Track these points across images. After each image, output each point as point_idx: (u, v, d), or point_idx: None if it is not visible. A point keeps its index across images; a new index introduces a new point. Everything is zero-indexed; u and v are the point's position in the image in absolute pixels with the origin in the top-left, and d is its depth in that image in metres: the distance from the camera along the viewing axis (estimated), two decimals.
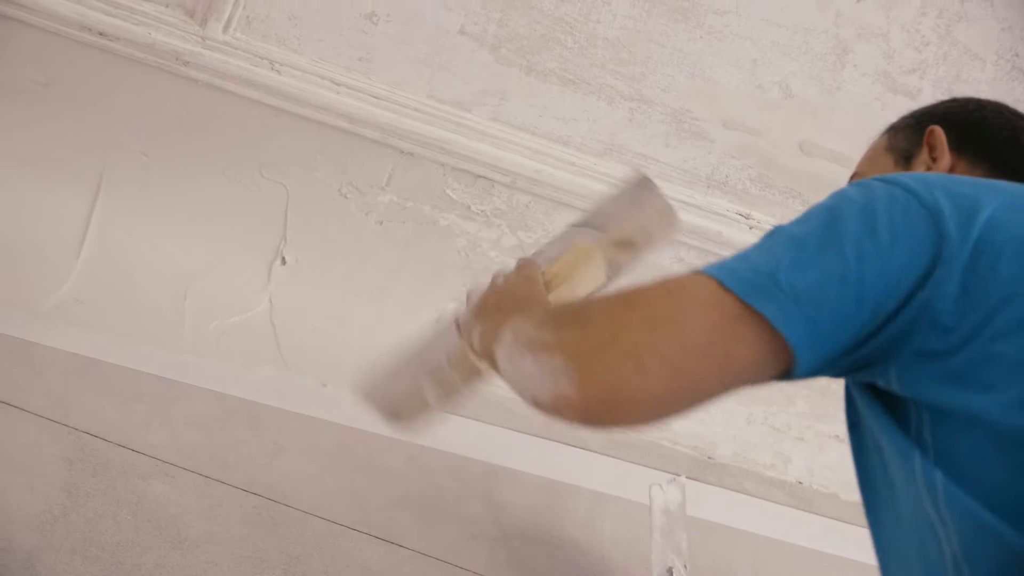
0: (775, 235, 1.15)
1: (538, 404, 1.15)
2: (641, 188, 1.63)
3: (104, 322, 2.06)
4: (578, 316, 1.20)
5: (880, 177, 1.19)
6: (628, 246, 1.62)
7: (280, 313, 2.20)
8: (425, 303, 2.26)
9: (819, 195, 1.32)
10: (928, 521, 1.10)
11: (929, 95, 2.25)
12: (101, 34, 1.93)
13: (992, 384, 1.05)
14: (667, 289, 1.15)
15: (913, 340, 1.10)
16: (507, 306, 1.47)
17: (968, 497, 1.04)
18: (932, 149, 1.46)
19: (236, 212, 2.14)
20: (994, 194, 1.12)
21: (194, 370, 2.07)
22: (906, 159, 1.51)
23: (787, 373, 1.11)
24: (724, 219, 2.25)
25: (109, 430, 1.89)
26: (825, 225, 1.16)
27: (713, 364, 1.08)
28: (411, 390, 1.66)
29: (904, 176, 1.18)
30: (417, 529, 2.03)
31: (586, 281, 1.62)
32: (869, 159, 1.59)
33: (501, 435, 2.28)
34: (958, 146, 1.46)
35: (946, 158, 1.45)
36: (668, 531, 2.16)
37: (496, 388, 2.22)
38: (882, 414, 1.17)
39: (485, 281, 1.50)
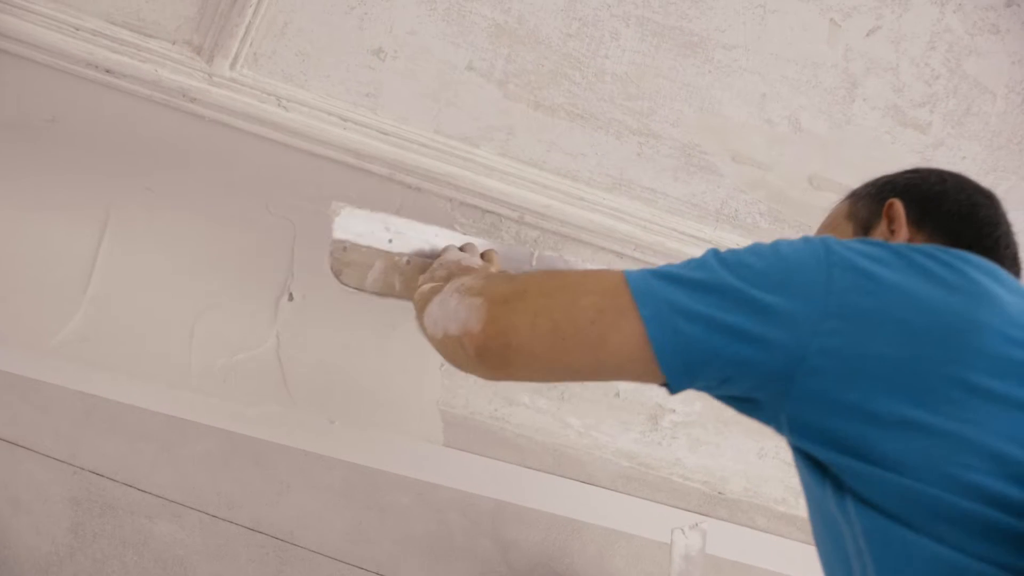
0: (707, 254, 1.33)
1: (446, 337, 1.47)
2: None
3: (110, 360, 2.06)
4: (510, 276, 1.51)
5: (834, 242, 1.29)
6: None
7: (287, 350, 2.20)
8: None
9: None
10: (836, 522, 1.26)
11: (939, 129, 2.26)
12: (108, 71, 1.94)
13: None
14: (587, 273, 1.39)
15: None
16: (458, 272, 1.80)
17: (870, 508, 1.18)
18: (891, 222, 1.53)
19: (243, 248, 2.15)
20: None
21: (201, 408, 2.07)
22: (865, 229, 1.58)
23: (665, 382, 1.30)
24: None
25: (116, 469, 1.89)
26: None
27: (588, 342, 1.30)
28: (366, 260, 2.01)
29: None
30: (425, 567, 2.03)
31: None
32: (830, 225, 1.66)
33: (509, 471, 2.28)
34: (917, 220, 1.52)
35: (903, 232, 1.52)
36: None
37: (504, 424, 2.23)
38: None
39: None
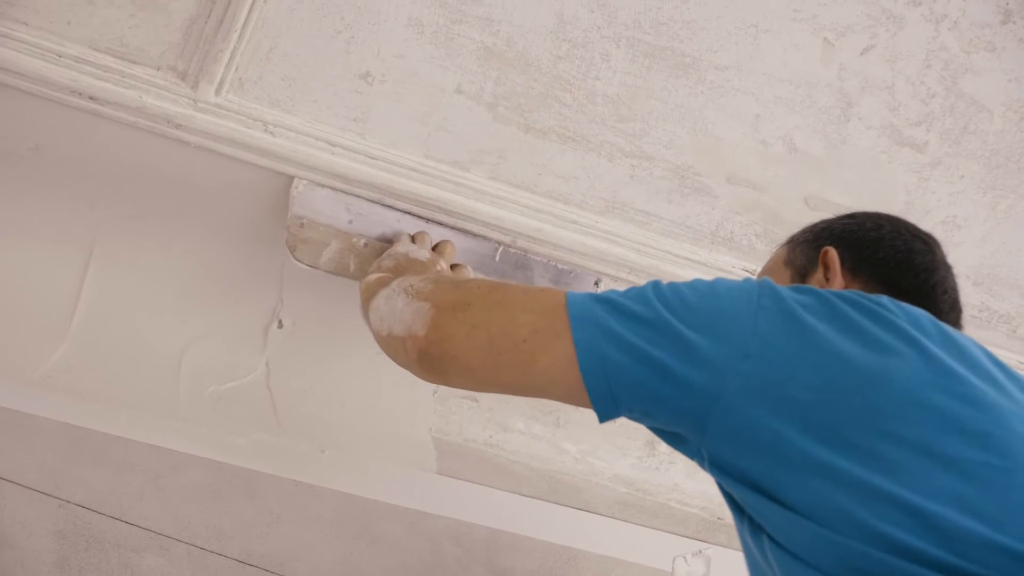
0: (647, 286, 1.38)
1: (390, 336, 1.55)
2: None
3: (96, 391, 2.06)
4: (458, 282, 1.56)
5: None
6: None
7: (277, 378, 2.20)
8: None
9: None
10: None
11: (937, 147, 2.26)
12: (91, 98, 1.94)
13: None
14: (530, 290, 1.46)
15: None
16: (406, 270, 1.86)
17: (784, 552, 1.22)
18: (826, 269, 1.58)
19: (231, 275, 2.15)
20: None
21: (189, 438, 2.07)
22: (802, 276, 1.62)
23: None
24: (730, 276, 2.25)
25: (102, 502, 1.89)
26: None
27: (519, 360, 1.37)
28: (322, 238, 2.05)
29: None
30: None
31: None
32: (769, 270, 1.71)
33: (504, 499, 2.28)
34: (853, 267, 1.56)
35: (838, 279, 1.56)
36: None
37: (499, 451, 2.23)
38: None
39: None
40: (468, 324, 1.44)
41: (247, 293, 2.19)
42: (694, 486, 2.50)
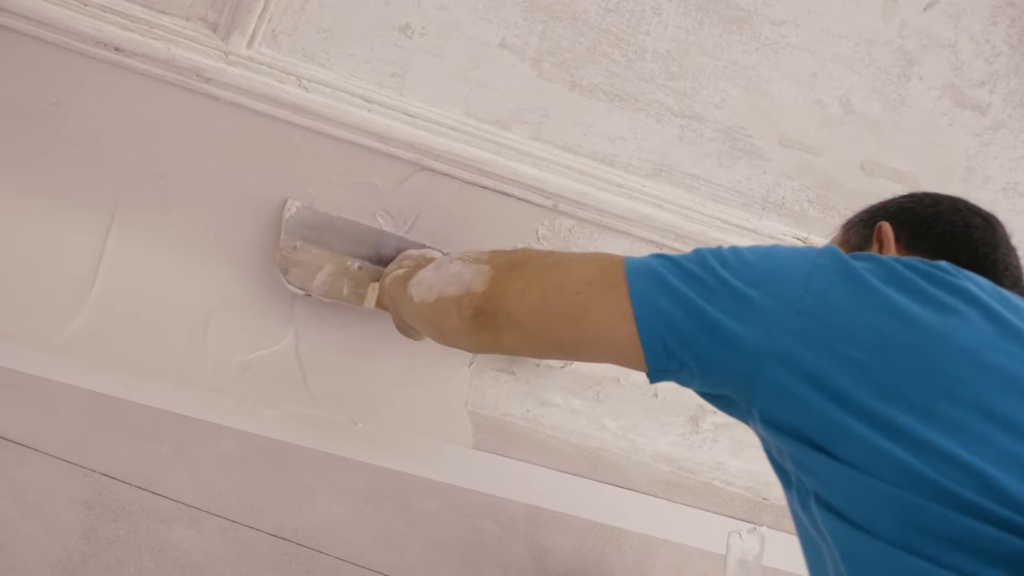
0: (704, 249, 1.40)
1: (440, 299, 1.60)
2: None
3: (120, 357, 2.04)
4: (515, 248, 1.63)
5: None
6: None
7: (306, 347, 2.18)
8: None
9: None
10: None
11: (1000, 110, 2.24)
12: (117, 49, 1.91)
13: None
14: (588, 252, 1.50)
15: None
16: (424, 263, 1.92)
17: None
18: (880, 245, 1.57)
19: (259, 239, 2.12)
20: None
21: (217, 408, 2.04)
22: None
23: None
24: (783, 244, 2.23)
25: (128, 472, 1.86)
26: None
27: (570, 313, 1.40)
28: (315, 262, 2.06)
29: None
30: (457, 575, 2.00)
31: None
32: None
33: (543, 475, 2.25)
34: (909, 242, 1.56)
35: (893, 253, 1.53)
36: None
37: (537, 426, 2.21)
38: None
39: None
40: (524, 280, 1.48)
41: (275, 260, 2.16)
42: (738, 465, 2.48)
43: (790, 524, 2.41)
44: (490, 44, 2.05)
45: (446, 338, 1.65)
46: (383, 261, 2.11)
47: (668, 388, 2.40)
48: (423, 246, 2.12)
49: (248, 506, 1.91)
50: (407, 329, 1.98)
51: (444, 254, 2.04)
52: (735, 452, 2.47)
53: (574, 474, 2.28)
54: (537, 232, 2.16)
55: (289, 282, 2.04)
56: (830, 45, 2.15)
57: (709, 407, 2.32)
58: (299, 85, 1.99)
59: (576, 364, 2.32)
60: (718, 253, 1.37)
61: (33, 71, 1.95)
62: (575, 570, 2.13)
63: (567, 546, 2.16)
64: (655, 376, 1.38)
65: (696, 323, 1.30)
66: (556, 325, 1.43)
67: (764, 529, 2.21)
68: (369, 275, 2.08)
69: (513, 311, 1.47)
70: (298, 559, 1.88)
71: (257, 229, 2.12)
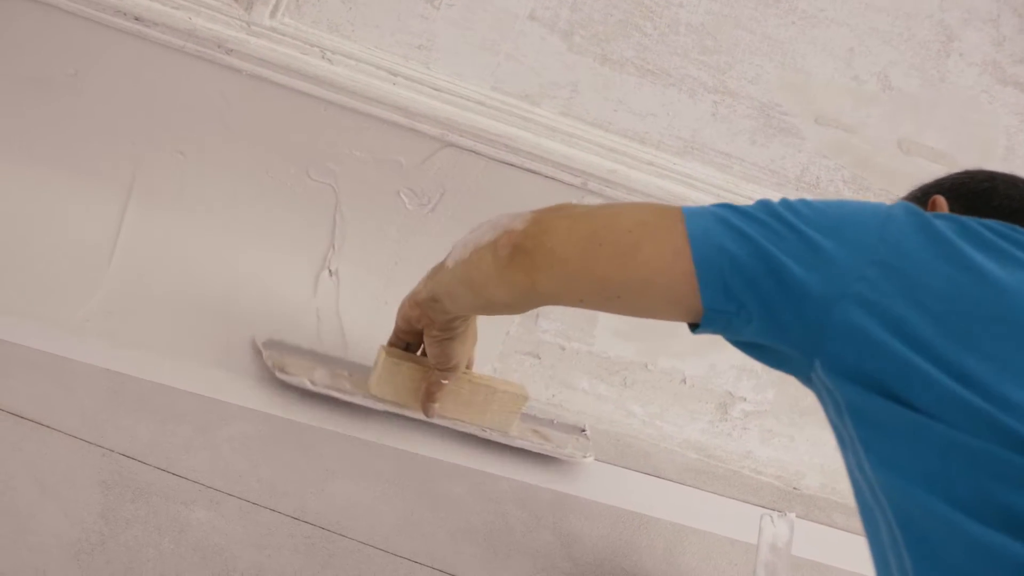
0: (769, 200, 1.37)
1: (476, 251, 1.54)
2: None
3: (138, 336, 2.02)
4: (560, 204, 1.55)
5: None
6: None
7: (328, 327, 2.16)
8: (491, 317, 2.22)
9: None
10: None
11: None
12: (137, 19, 1.89)
13: None
14: (641, 201, 1.57)
15: None
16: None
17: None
18: None
19: (281, 217, 2.11)
20: None
21: (237, 388, 2.03)
22: None
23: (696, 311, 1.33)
24: None
25: (147, 452, 1.84)
26: None
27: (620, 251, 1.35)
28: (307, 363, 2.05)
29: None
30: (484, 562, 1.98)
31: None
32: None
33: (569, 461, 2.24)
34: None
35: None
36: (773, 570, 2.11)
37: (562, 412, 2.19)
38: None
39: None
40: (571, 219, 1.44)
41: (297, 237, 2.14)
42: (768, 453, 2.46)
43: (820, 514, 2.41)
44: (519, 16, 2.03)
45: (477, 293, 1.60)
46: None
47: (697, 375, 2.39)
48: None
49: (269, 488, 1.89)
50: (449, 341, 1.89)
51: None
52: (765, 440, 2.46)
53: (601, 461, 2.26)
54: None
55: (288, 375, 2.01)
56: (868, 19, 2.13)
57: (739, 393, 2.31)
58: (323, 57, 1.97)
59: (602, 346, 2.31)
60: (786, 201, 1.35)
61: (50, 41, 1.93)
62: (604, 558, 2.10)
63: (595, 533, 2.14)
64: (709, 319, 1.34)
65: (762, 265, 1.27)
66: (602, 263, 1.38)
67: (793, 516, 2.19)
68: (364, 374, 2.07)
69: (557, 247, 1.42)
70: (320, 543, 1.86)
71: (279, 206, 2.11)
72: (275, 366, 2.00)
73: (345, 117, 2.03)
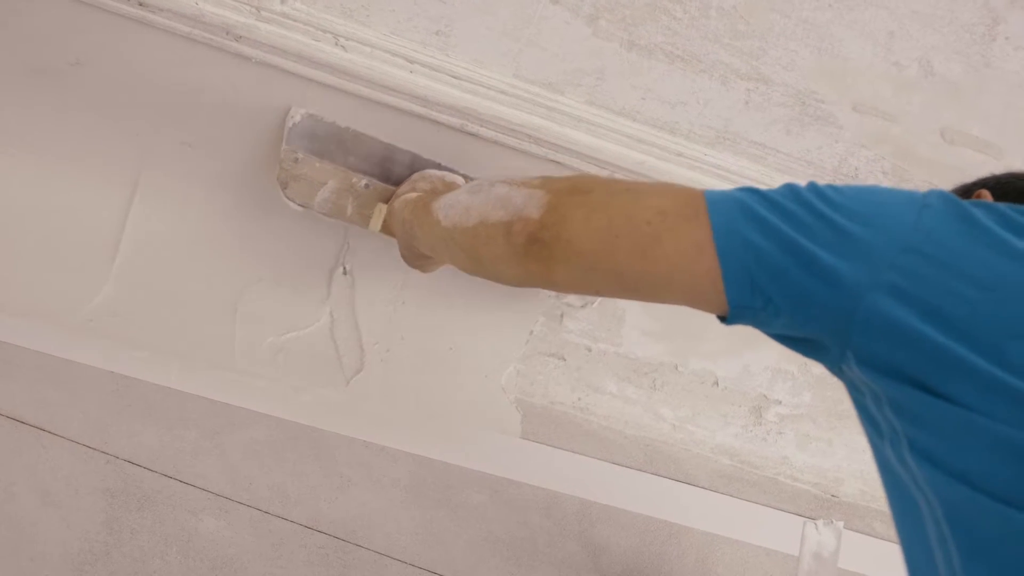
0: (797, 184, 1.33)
1: (482, 224, 1.51)
2: None
3: (144, 337, 2.01)
4: (573, 174, 1.64)
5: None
6: None
7: (343, 329, 2.15)
8: (513, 312, 2.20)
9: None
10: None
11: None
12: (141, 4, 1.88)
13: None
14: (664, 182, 1.43)
15: None
16: (442, 188, 1.88)
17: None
18: None
19: (293, 213, 2.09)
20: None
21: (247, 392, 2.02)
22: None
23: (720, 303, 1.30)
24: None
25: (153, 458, 1.84)
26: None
27: (639, 243, 1.31)
28: (318, 176, 1.98)
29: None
30: (506, 573, 1.97)
31: None
32: None
33: (596, 468, 2.23)
34: None
35: None
36: None
37: (589, 416, 2.17)
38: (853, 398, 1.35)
39: None
40: (588, 207, 1.39)
41: (310, 234, 2.13)
42: (805, 459, 2.44)
43: (861, 523, 2.39)
44: None
45: (482, 267, 1.57)
46: (393, 180, 2.04)
47: (729, 377, 2.37)
48: (439, 166, 2.05)
49: (281, 496, 1.88)
50: (416, 258, 1.88)
51: (470, 179, 2.00)
52: (802, 445, 2.44)
53: (629, 467, 2.25)
54: None
55: (288, 197, 1.98)
56: (909, 1, 2.10)
57: (774, 396, 2.29)
58: (336, 44, 1.96)
59: (630, 347, 2.29)
60: (814, 187, 1.31)
61: (52, 28, 1.93)
62: (632, 568, 2.09)
63: (623, 543, 2.13)
64: (735, 315, 1.31)
65: (790, 257, 1.25)
66: (620, 254, 1.35)
67: (841, 525, 2.17)
68: (377, 195, 2.00)
69: (574, 240, 1.38)
70: (335, 553, 1.85)
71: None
72: (281, 183, 1.97)
73: (360, 106, 2.01)
